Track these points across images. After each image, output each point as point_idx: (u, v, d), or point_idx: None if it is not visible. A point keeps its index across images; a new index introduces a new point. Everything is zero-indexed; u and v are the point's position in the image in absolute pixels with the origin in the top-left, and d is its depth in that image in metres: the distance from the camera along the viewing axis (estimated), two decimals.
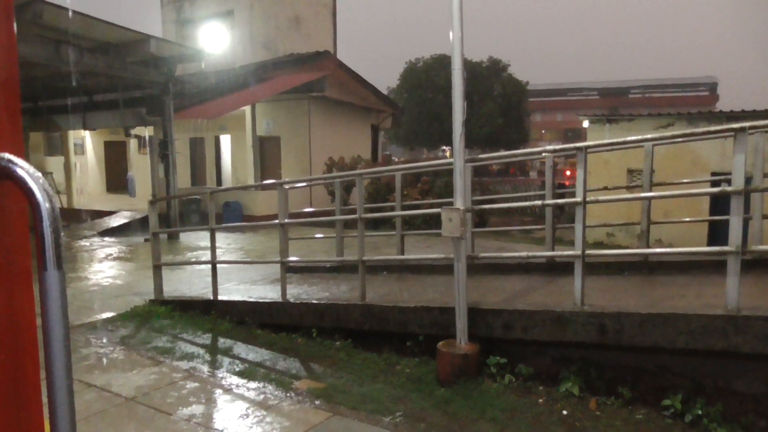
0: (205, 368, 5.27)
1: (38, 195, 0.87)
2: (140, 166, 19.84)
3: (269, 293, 7.08)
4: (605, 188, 7.88)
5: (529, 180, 36.89)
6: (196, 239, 13.09)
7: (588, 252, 4.60)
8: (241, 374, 5.10)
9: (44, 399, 0.99)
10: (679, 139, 5.96)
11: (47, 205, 0.87)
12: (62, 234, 0.90)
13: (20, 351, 1.10)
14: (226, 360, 5.51)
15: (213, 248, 7.07)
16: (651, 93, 66.80)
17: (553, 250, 6.44)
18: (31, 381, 1.13)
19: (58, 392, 0.92)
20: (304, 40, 22.28)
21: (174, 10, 22.52)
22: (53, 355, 0.91)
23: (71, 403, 0.93)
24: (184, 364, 5.33)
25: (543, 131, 68.37)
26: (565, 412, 4.25)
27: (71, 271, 9.88)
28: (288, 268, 6.60)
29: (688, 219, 8.50)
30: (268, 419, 4.18)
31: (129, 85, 13.85)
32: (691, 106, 46.48)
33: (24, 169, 0.87)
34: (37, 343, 1.11)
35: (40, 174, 0.89)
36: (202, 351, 5.75)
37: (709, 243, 11.44)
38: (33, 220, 0.91)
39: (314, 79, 16.11)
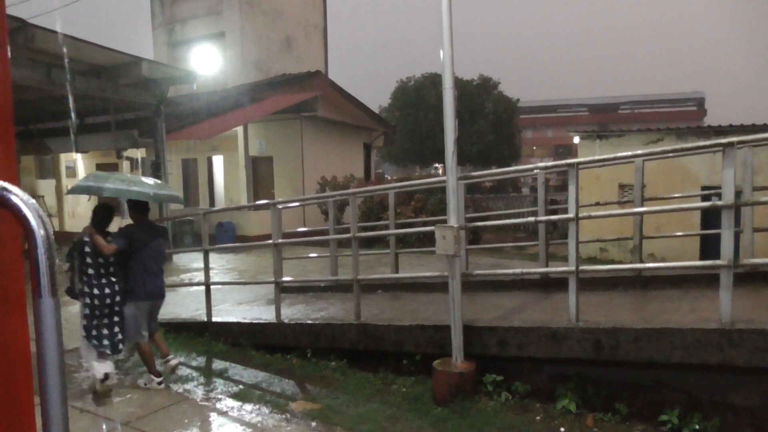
0: (200, 391, 5.22)
1: (33, 222, 0.86)
2: None
3: (264, 314, 7.04)
4: (597, 204, 7.94)
5: (522, 195, 37.00)
6: (190, 260, 13.00)
7: (582, 268, 4.62)
8: (236, 396, 5.05)
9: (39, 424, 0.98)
10: (669, 155, 6.02)
11: (42, 232, 0.86)
12: (57, 261, 0.90)
13: (14, 377, 1.09)
14: (220, 382, 5.46)
15: (206, 269, 7.04)
16: (640, 108, 67.45)
17: (546, 266, 6.45)
18: (25, 407, 1.11)
19: (53, 420, 0.92)
20: (295, 61, 22.45)
21: (165, 32, 22.66)
22: (48, 382, 0.90)
23: (66, 431, 0.92)
24: (178, 387, 5.28)
25: (534, 147, 68.77)
26: (562, 430, 4.23)
27: (65, 294, 9.78)
28: (282, 288, 6.58)
29: (680, 233, 8.54)
30: None
31: (121, 107, 13.84)
32: (679, 120, 47.06)
33: (18, 196, 0.88)
34: (31, 370, 1.10)
35: (34, 201, 0.89)
36: (196, 374, 5.70)
37: (702, 256, 11.47)
38: (27, 246, 0.91)
39: (306, 99, 16.19)
